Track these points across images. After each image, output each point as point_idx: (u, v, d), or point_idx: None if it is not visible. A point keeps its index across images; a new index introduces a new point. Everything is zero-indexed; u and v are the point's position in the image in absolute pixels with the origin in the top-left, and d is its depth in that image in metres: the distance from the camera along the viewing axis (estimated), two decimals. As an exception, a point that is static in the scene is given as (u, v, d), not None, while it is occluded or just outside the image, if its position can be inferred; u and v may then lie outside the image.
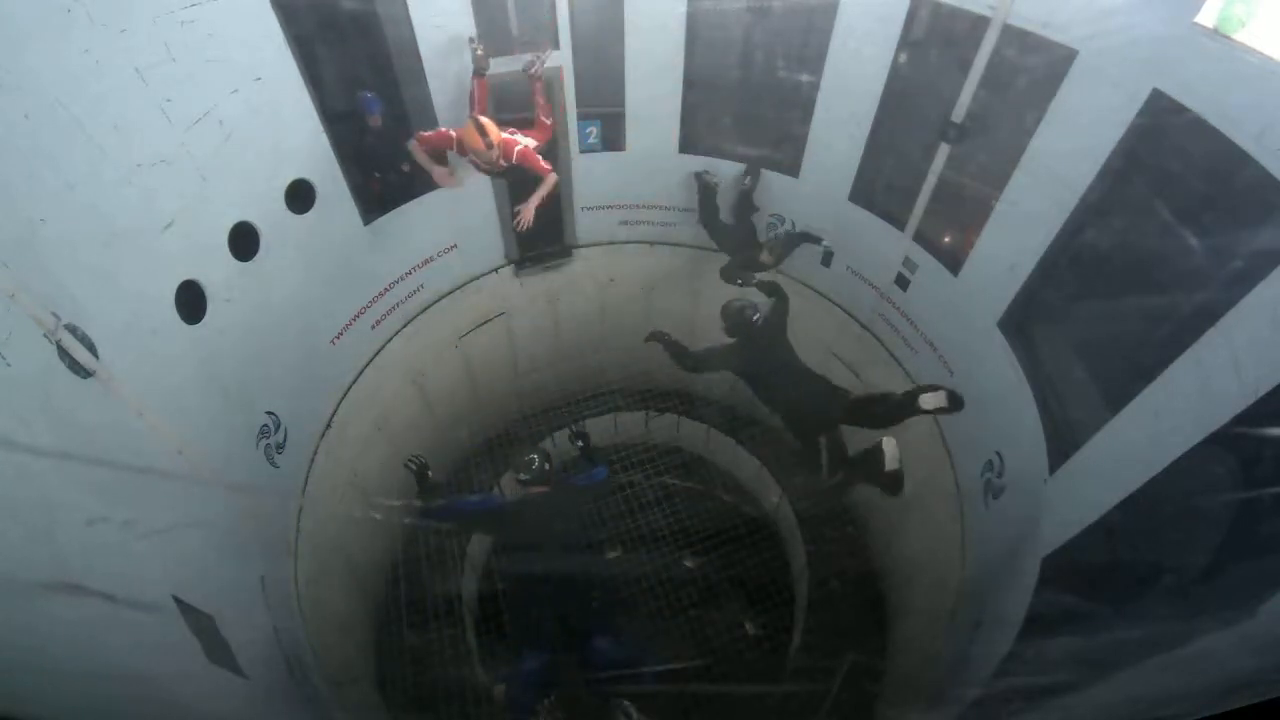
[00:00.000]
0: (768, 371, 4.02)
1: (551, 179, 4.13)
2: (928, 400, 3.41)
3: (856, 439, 4.12)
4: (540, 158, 4.10)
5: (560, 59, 4.60)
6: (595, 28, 4.59)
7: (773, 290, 4.19)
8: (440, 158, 4.15)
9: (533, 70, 4.21)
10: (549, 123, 4.40)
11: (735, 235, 5.26)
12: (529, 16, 4.43)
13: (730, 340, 4.03)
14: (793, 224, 5.29)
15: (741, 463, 6.45)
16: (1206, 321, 2.35)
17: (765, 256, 4.98)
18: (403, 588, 5.43)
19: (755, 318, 3.93)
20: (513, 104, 4.66)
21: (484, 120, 3.83)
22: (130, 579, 2.23)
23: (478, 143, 3.78)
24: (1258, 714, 0.98)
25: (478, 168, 4.03)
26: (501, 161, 3.94)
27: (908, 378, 4.75)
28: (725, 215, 5.31)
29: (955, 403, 3.39)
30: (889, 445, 3.73)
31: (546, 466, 3.54)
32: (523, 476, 3.50)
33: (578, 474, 3.86)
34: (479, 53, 4.01)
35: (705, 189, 5.22)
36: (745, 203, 5.19)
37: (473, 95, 4.08)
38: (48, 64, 2.22)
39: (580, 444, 4.03)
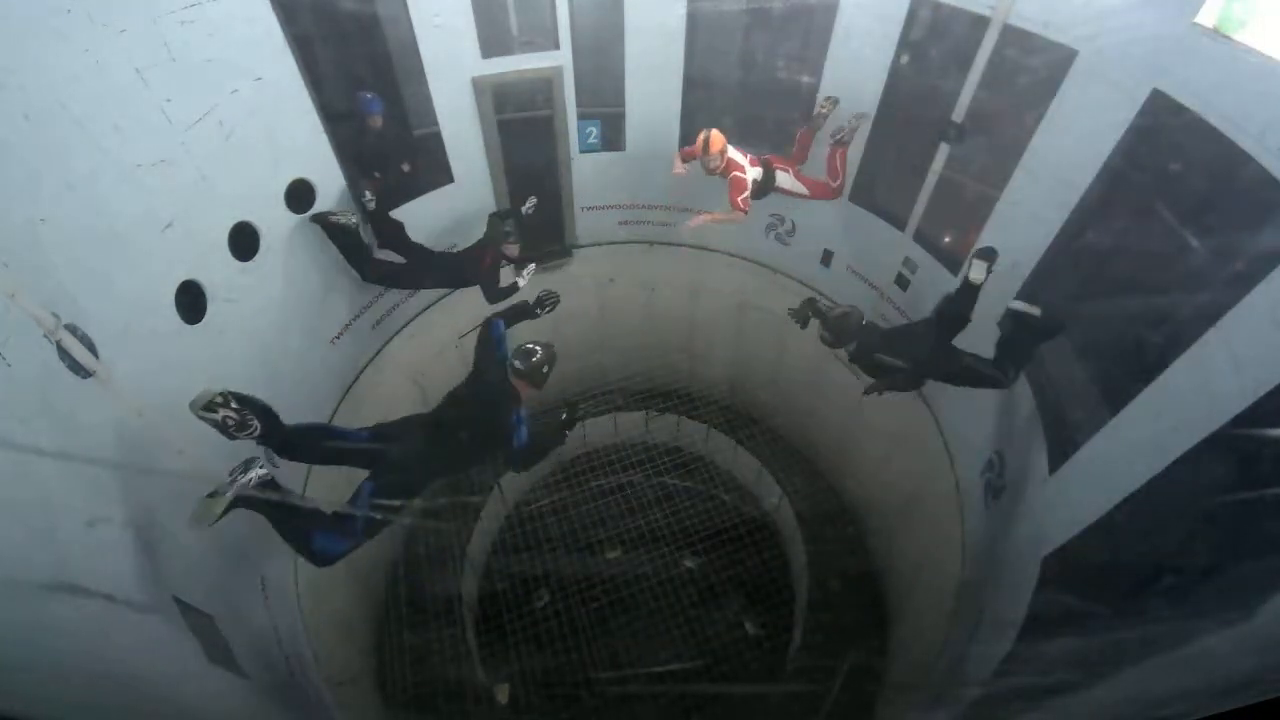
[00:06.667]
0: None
1: (736, 216, 4.30)
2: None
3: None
4: (740, 196, 4.25)
5: (560, 59, 4.61)
6: (595, 28, 4.59)
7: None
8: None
9: (840, 137, 4.41)
10: (831, 183, 4.52)
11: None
12: (529, 16, 4.44)
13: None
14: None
15: (741, 463, 6.45)
16: (1206, 321, 2.35)
17: (509, 248, 4.46)
18: (403, 588, 5.43)
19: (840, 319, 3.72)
20: (516, 103, 4.67)
21: (713, 134, 4.22)
22: (130, 579, 2.24)
23: (698, 152, 4.31)
24: (1258, 714, 0.98)
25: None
26: (719, 173, 4.35)
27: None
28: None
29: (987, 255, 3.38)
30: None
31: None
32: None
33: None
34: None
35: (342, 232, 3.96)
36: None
37: None
38: (48, 64, 2.22)
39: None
